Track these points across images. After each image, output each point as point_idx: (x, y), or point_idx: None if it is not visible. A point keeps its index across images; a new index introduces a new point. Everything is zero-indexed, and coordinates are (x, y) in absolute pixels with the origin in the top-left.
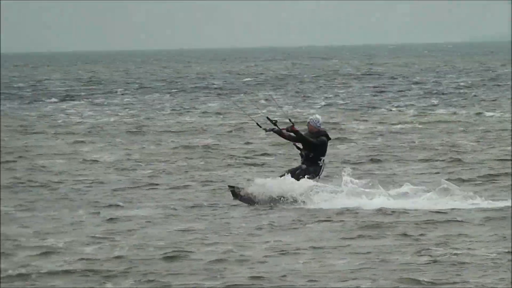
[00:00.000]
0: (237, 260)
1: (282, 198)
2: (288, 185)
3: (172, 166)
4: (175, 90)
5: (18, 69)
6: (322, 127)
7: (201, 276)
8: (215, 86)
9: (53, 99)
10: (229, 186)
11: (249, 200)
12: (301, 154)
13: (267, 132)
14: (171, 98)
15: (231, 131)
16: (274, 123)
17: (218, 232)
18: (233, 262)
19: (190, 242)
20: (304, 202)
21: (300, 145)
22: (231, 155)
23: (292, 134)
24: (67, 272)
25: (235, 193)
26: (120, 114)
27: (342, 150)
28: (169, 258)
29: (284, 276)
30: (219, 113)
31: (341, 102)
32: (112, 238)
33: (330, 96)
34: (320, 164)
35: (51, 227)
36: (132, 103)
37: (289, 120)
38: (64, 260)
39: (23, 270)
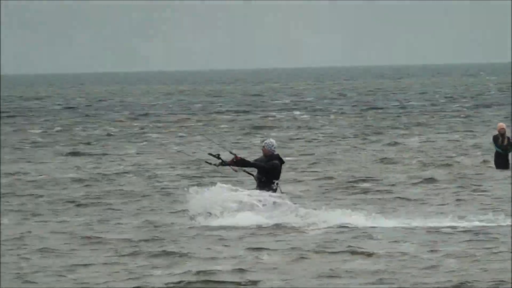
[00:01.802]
0: None
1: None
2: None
3: None
4: None
5: None
6: (276, 151)
7: None
8: None
9: None
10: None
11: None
12: (255, 179)
13: (218, 167)
14: None
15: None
16: (217, 156)
17: None
18: None
19: None
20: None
21: (252, 171)
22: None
23: (239, 163)
24: None
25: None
26: None
27: None
28: None
29: None
30: None
31: None
32: None
33: None
34: (274, 188)
35: None
36: None
37: (230, 152)
38: None
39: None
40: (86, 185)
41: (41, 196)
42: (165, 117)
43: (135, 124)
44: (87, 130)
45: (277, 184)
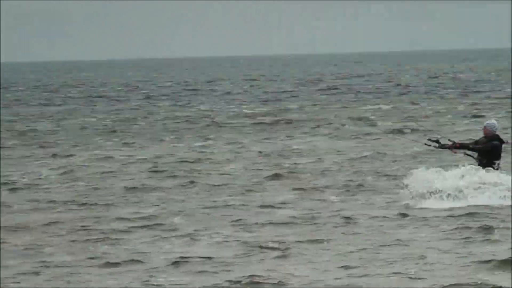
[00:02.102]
0: None
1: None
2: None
3: None
4: None
5: None
6: (497, 131)
7: None
8: None
9: None
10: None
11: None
12: (476, 161)
13: (437, 149)
14: None
15: None
16: (437, 141)
17: None
18: None
19: None
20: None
21: (471, 153)
22: None
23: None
24: None
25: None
26: None
27: None
28: None
29: None
30: None
31: None
32: None
33: None
34: (496, 168)
35: None
36: None
37: (449, 140)
38: None
39: None
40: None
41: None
42: (495, 93)
43: (465, 101)
44: (417, 106)
45: (498, 164)
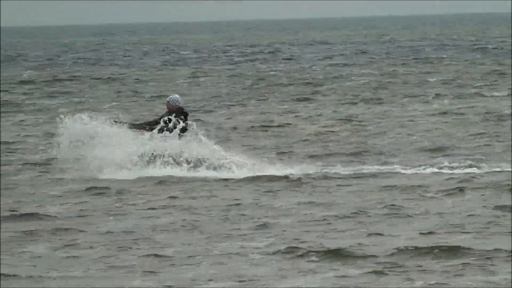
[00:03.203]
0: None
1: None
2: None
3: None
4: None
5: None
6: (180, 105)
7: None
8: None
9: None
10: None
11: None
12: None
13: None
14: None
15: None
16: (125, 122)
17: None
18: None
19: None
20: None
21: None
22: None
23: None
24: None
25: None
26: None
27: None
28: None
29: None
30: None
31: None
32: None
33: None
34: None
35: None
36: None
37: (121, 122)
38: None
39: None
40: None
41: None
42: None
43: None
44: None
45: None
